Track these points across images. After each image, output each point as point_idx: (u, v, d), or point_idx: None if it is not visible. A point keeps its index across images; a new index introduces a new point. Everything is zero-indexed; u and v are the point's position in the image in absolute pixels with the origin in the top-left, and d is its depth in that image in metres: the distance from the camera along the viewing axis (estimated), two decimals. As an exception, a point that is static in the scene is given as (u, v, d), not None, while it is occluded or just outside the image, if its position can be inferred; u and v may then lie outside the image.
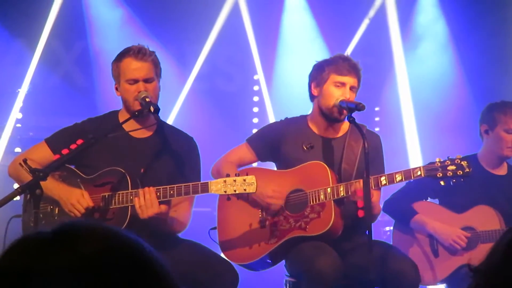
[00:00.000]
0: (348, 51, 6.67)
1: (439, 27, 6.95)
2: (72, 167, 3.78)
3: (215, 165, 4.04)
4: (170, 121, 6.51)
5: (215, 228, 4.02)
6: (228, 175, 3.53)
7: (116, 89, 3.77)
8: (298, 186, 3.88)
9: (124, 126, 3.72)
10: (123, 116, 3.78)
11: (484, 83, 6.59)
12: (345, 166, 3.90)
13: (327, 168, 3.82)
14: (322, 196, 3.78)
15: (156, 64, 3.75)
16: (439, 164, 3.66)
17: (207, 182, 3.55)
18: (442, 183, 3.67)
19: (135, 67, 3.67)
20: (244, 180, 3.51)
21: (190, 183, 3.58)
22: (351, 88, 3.87)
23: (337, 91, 3.85)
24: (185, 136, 3.93)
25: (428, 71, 6.92)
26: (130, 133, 3.76)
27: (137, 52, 3.69)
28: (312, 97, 4.00)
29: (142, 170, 3.70)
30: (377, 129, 6.13)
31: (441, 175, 3.65)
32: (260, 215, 3.93)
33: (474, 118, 5.07)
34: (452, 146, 6.02)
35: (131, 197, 3.57)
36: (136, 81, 3.67)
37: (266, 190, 3.84)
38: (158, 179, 3.64)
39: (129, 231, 1.14)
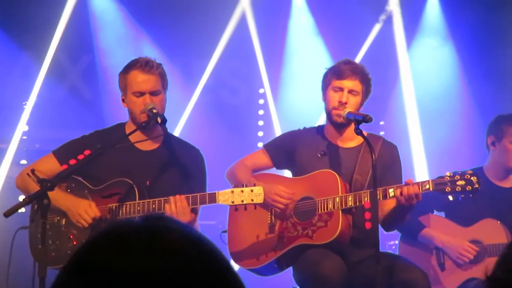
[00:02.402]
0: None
1: (445, 41, 6.95)
2: (80, 178, 3.79)
3: (231, 168, 4.06)
4: (176, 133, 6.50)
5: (225, 231, 4.04)
6: (235, 186, 3.56)
7: (123, 100, 3.78)
8: (308, 194, 3.89)
9: (130, 138, 3.72)
10: (129, 128, 3.79)
11: (490, 96, 6.59)
12: (357, 176, 3.90)
13: (337, 177, 3.82)
14: (330, 205, 3.78)
15: (163, 77, 3.75)
16: (448, 179, 3.63)
17: (215, 193, 3.57)
18: (450, 198, 3.63)
19: (142, 80, 3.68)
20: (252, 190, 3.53)
21: (198, 194, 3.58)
22: (351, 91, 3.86)
23: (335, 96, 3.86)
24: (191, 148, 3.94)
25: (434, 85, 6.91)
26: (137, 145, 3.77)
27: (144, 65, 3.69)
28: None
29: (147, 183, 3.71)
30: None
31: (449, 189, 3.62)
32: (269, 220, 3.94)
33: (480, 131, 5.07)
34: (458, 159, 6.01)
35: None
36: (142, 93, 3.68)
37: (275, 187, 3.81)
38: (164, 191, 3.65)
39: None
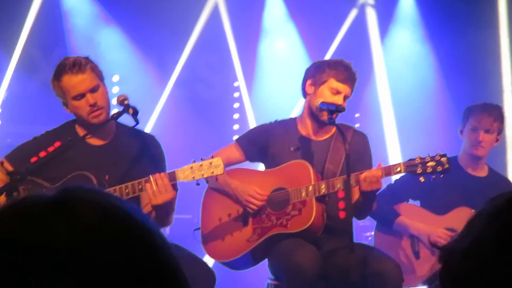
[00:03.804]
0: (327, 57, 6.68)
1: (418, 33, 6.99)
2: (36, 179, 3.67)
3: None
4: (149, 127, 6.46)
5: (198, 228, 4.02)
6: (193, 161, 3.50)
7: (65, 106, 3.65)
8: (281, 184, 3.89)
9: (81, 133, 3.64)
10: (80, 125, 3.70)
11: (464, 88, 6.64)
12: (329, 165, 3.91)
13: (309, 166, 3.83)
14: (303, 194, 3.79)
15: (95, 69, 3.61)
16: (419, 161, 3.72)
17: (174, 171, 3.50)
18: (422, 179, 3.73)
19: (77, 82, 3.53)
20: (211, 163, 3.47)
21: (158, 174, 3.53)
22: (345, 97, 3.88)
23: (331, 97, 3.84)
24: (146, 136, 3.87)
25: (408, 77, 6.95)
26: (89, 141, 3.68)
27: (72, 66, 3.54)
28: (304, 94, 4.00)
29: (107, 177, 3.63)
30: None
31: (420, 171, 3.70)
32: (242, 213, 3.94)
33: (454, 124, 5.10)
34: (433, 151, 6.03)
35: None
36: (82, 95, 3.55)
37: (249, 188, 3.86)
38: (125, 182, 3.55)
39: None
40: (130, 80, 6.42)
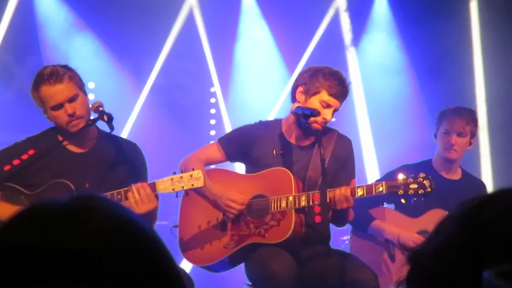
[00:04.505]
0: (302, 63, 6.71)
1: (392, 38, 7.04)
2: (15, 185, 3.65)
3: (183, 162, 3.99)
4: (125, 133, 6.43)
5: (176, 226, 4.01)
6: (174, 173, 3.51)
7: (45, 113, 3.66)
8: (261, 191, 3.87)
9: (65, 140, 3.64)
10: (61, 132, 3.70)
11: (438, 93, 6.70)
12: (311, 173, 3.88)
13: (291, 175, 3.81)
14: (283, 204, 3.76)
15: (73, 78, 3.60)
16: (401, 181, 3.68)
17: (154, 182, 3.51)
18: (403, 201, 3.69)
19: (54, 93, 3.53)
20: (191, 175, 3.49)
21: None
22: (334, 110, 3.84)
23: (321, 110, 3.78)
24: (127, 143, 3.87)
25: (382, 82, 6.99)
26: (70, 148, 3.68)
27: (50, 77, 3.53)
28: (293, 99, 3.93)
29: (87, 185, 3.62)
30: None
31: (402, 192, 3.67)
32: (221, 218, 3.92)
33: (429, 128, 5.14)
34: (408, 154, 6.08)
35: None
36: (61, 105, 3.55)
37: (230, 193, 3.83)
38: (106, 191, 3.56)
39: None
40: (106, 87, 6.40)
